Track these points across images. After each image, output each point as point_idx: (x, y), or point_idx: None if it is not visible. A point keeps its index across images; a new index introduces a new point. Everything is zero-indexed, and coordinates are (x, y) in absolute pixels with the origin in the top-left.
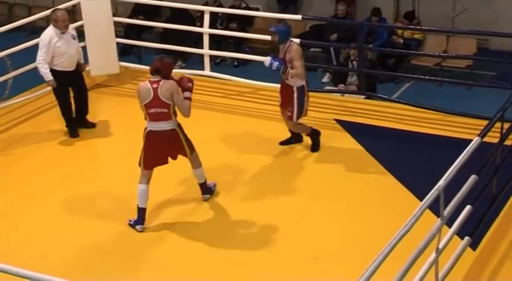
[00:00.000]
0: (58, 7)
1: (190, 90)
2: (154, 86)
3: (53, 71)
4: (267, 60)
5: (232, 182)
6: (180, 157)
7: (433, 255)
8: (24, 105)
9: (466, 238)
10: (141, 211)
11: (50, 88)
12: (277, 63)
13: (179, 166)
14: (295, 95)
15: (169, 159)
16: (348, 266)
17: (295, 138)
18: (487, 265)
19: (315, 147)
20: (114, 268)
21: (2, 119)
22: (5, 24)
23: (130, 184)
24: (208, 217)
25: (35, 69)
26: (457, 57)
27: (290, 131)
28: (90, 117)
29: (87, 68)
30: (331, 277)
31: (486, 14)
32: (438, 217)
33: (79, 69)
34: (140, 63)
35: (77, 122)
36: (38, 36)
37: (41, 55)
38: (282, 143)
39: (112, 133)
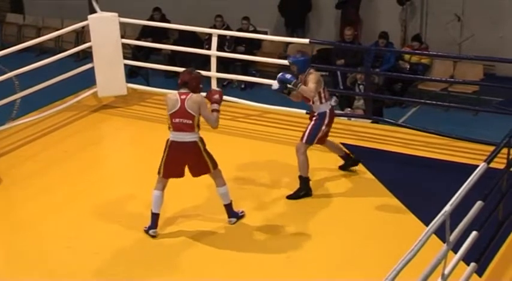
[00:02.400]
0: None
1: (218, 102)
2: (183, 97)
3: None
4: (280, 73)
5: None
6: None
7: None
8: (32, 125)
9: (472, 264)
10: (154, 216)
11: (58, 108)
12: (289, 75)
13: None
14: (313, 119)
15: (186, 172)
16: None
17: (350, 162)
18: None
19: (294, 195)
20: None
21: (10, 139)
22: (14, 45)
23: (137, 203)
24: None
25: (43, 89)
26: (463, 83)
27: (341, 157)
28: (95, 140)
29: (95, 89)
30: None
31: (493, 40)
32: (444, 242)
33: None
34: (147, 85)
35: None
36: (47, 57)
37: None
38: (340, 168)
39: (119, 154)
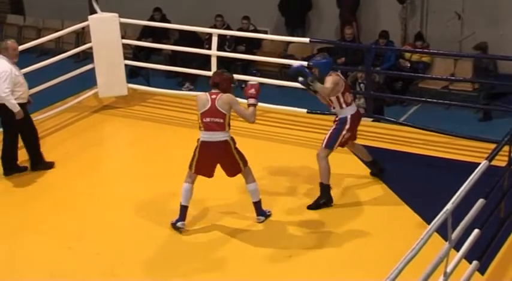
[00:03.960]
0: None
1: (254, 97)
2: (213, 97)
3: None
4: (295, 64)
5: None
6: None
7: (441, 279)
8: None
9: (474, 262)
10: (183, 209)
11: (59, 109)
12: (303, 69)
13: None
14: (334, 124)
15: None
16: None
17: (375, 169)
18: None
19: (314, 204)
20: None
21: None
22: None
23: (138, 203)
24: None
25: (43, 91)
26: (464, 81)
27: (365, 163)
28: (96, 140)
29: (96, 90)
30: None
31: (493, 37)
32: (446, 240)
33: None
34: (148, 85)
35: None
36: (47, 58)
37: (5, 87)
38: (372, 174)
39: (120, 154)
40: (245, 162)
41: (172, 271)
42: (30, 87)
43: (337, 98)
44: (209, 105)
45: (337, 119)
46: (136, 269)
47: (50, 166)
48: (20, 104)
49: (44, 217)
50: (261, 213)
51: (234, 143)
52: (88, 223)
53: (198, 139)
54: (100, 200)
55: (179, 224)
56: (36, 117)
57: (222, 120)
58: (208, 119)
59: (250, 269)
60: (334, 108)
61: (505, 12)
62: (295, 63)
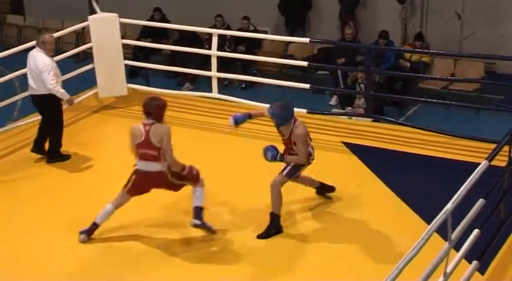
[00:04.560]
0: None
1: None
2: (147, 128)
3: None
4: (266, 154)
5: (238, 204)
6: None
7: (441, 279)
8: (34, 127)
9: (474, 262)
10: (94, 226)
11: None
12: (273, 151)
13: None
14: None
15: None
16: None
17: (325, 188)
18: None
19: (265, 233)
20: None
21: (11, 140)
22: (15, 46)
23: (138, 203)
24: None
25: None
26: (464, 81)
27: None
28: (96, 140)
29: (96, 90)
30: None
31: (493, 37)
32: (446, 240)
33: None
34: (148, 85)
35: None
36: None
37: (51, 79)
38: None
39: (120, 155)
40: (194, 181)
41: (174, 271)
42: (29, 88)
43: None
44: (143, 138)
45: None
46: (137, 270)
47: (67, 156)
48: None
49: (43, 216)
50: (197, 217)
51: (171, 171)
52: (88, 223)
53: (135, 164)
54: (100, 201)
55: (83, 236)
56: (37, 117)
57: (156, 153)
58: (143, 151)
59: (250, 269)
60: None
61: (505, 12)
62: (266, 155)
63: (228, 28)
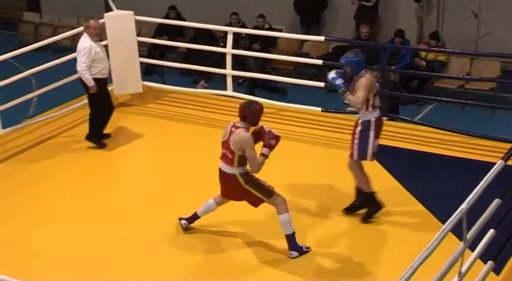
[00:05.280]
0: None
1: (270, 148)
2: (233, 130)
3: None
4: (332, 73)
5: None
6: None
7: (456, 279)
8: (49, 123)
9: (490, 263)
10: (195, 216)
11: (75, 106)
12: (341, 81)
13: None
14: (358, 129)
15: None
16: None
17: (359, 202)
18: None
19: (367, 216)
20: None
21: (27, 137)
22: (31, 44)
23: (149, 202)
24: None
25: (59, 88)
26: (480, 80)
27: (356, 190)
28: (111, 137)
29: (111, 87)
30: None
31: (510, 36)
32: (461, 240)
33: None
34: (163, 83)
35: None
36: (63, 56)
37: (83, 62)
38: (346, 210)
39: (134, 152)
40: (268, 193)
41: (176, 271)
42: (46, 85)
43: (367, 99)
44: (226, 137)
45: (359, 121)
46: (143, 269)
47: (102, 145)
48: (100, 79)
49: (55, 213)
50: (294, 247)
51: (248, 177)
52: (98, 220)
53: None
54: (112, 198)
55: (183, 222)
56: (53, 114)
57: (231, 156)
58: (223, 150)
59: (253, 268)
60: (358, 108)
61: None
62: (331, 73)
63: (243, 26)
